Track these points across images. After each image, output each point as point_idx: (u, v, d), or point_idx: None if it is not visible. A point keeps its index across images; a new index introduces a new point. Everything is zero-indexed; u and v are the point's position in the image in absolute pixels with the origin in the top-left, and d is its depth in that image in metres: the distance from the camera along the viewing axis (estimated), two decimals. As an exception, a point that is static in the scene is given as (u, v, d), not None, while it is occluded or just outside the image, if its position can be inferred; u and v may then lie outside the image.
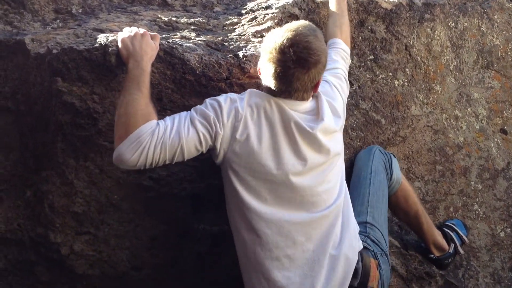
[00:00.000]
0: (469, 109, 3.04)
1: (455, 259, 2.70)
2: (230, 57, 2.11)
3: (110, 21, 2.26)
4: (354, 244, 1.93)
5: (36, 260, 2.22)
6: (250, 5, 2.59)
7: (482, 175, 3.00)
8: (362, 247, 1.97)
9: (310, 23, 1.91)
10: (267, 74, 1.85)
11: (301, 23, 1.88)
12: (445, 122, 2.92)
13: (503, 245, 2.98)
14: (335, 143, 1.96)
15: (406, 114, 2.75)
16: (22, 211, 2.19)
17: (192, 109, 1.83)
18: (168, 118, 1.79)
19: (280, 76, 1.82)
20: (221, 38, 2.27)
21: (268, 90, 1.90)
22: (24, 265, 2.24)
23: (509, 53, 3.21)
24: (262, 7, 2.51)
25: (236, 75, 2.08)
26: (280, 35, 1.82)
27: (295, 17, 2.44)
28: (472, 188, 2.96)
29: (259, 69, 1.94)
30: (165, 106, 2.03)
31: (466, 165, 2.96)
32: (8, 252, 2.23)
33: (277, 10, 2.42)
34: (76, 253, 2.15)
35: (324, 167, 1.92)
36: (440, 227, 2.68)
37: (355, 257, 1.90)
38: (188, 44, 2.07)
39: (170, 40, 2.06)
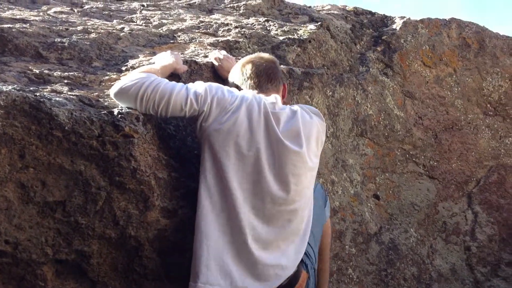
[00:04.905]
0: (344, 175, 3.15)
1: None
2: (104, 113, 2.00)
3: (-27, 70, 2.09)
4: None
5: None
6: (131, 62, 2.52)
7: (356, 239, 3.09)
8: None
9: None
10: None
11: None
12: (322, 187, 2.99)
13: (376, 309, 3.06)
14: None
15: (285, 178, 2.78)
16: None
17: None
18: None
19: None
20: (96, 93, 2.17)
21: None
22: None
23: (381, 122, 3.42)
24: (144, 65, 2.46)
25: (109, 133, 1.97)
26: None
27: (177, 77, 2.41)
28: (347, 252, 3.03)
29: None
30: (28, 164, 1.87)
31: (341, 229, 3.03)
32: None
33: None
34: None
35: None
36: None
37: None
38: (57, 99, 1.95)
39: (38, 94, 1.93)
